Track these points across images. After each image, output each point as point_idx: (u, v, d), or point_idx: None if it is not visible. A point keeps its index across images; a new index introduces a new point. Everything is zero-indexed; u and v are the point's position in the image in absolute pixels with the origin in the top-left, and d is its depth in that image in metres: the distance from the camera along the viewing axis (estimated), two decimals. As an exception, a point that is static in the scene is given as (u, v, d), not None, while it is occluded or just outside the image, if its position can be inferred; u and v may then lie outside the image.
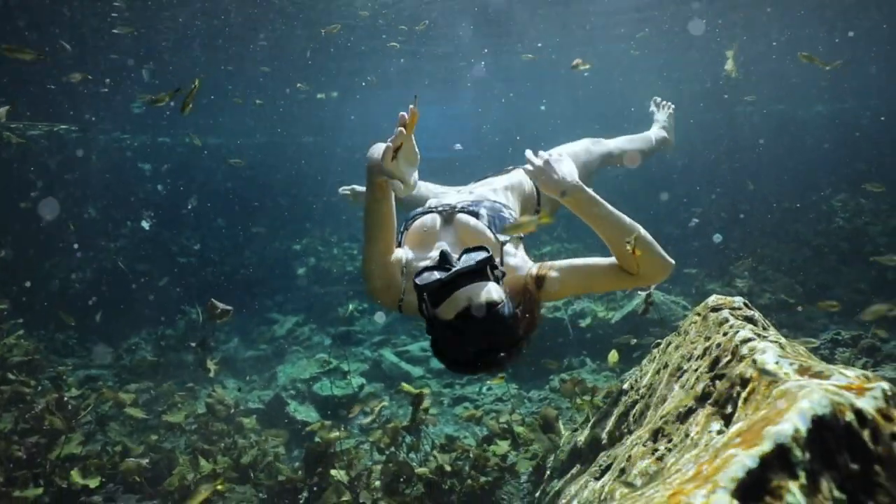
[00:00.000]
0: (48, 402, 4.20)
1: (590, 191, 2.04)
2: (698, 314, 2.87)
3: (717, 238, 8.91)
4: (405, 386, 5.72)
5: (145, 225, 10.69)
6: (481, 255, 1.84)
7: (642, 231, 2.02)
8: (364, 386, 8.09)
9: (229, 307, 4.73)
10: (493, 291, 1.81)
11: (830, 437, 1.31)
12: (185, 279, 10.94)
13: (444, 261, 1.87)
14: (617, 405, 3.46)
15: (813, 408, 1.33)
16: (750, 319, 2.62)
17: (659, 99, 3.90)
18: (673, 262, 2.13)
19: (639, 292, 3.67)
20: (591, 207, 2.04)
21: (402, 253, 2.22)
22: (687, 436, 2.21)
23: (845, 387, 1.74)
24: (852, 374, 1.83)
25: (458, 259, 1.85)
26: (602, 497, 2.50)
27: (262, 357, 9.56)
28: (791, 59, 12.59)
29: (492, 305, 1.78)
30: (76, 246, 9.87)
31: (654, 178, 14.05)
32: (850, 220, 9.84)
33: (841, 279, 8.54)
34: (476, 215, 2.28)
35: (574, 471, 3.55)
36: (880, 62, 13.11)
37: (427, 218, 2.30)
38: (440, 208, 2.34)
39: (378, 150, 2.08)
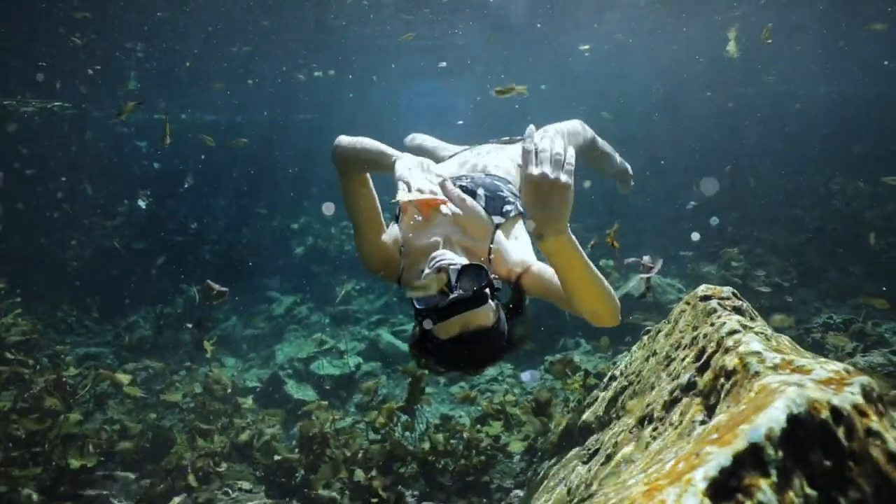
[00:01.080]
0: (47, 383, 4.25)
1: (573, 239, 1.66)
2: (688, 303, 2.90)
3: (714, 221, 8.92)
4: (407, 366, 5.76)
5: (142, 204, 10.67)
6: (479, 278, 1.82)
7: (605, 282, 1.85)
8: (361, 365, 8.17)
9: (225, 289, 4.75)
10: (487, 317, 1.82)
11: (804, 434, 1.34)
12: (182, 257, 10.96)
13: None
14: (607, 390, 3.52)
15: (788, 406, 1.36)
16: (738, 310, 2.65)
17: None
18: (619, 320, 1.94)
19: (640, 276, 3.70)
20: (568, 256, 1.68)
21: (398, 231, 2.22)
22: (671, 425, 2.25)
23: (825, 381, 1.78)
24: (833, 368, 1.86)
25: (455, 282, 1.82)
26: (588, 482, 2.56)
27: (260, 336, 9.63)
28: (792, 40, 12.46)
29: (485, 331, 1.81)
30: (73, 223, 9.86)
31: (653, 161, 14.02)
32: (847, 203, 9.85)
33: (835, 263, 8.58)
34: (473, 195, 2.27)
35: (564, 453, 3.61)
36: (882, 43, 12.94)
37: None
38: None
39: (353, 145, 2.04)
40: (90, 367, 7.41)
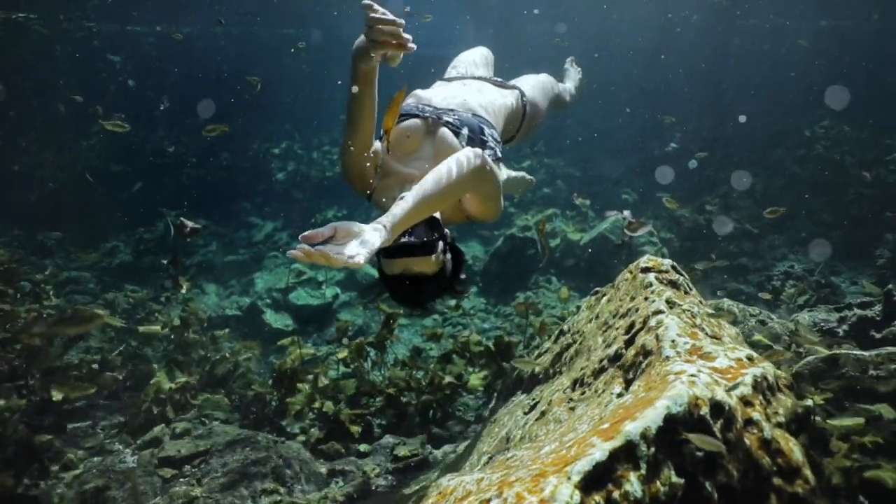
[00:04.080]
0: (28, 314, 4.40)
1: (399, 219, 1.71)
2: (630, 272, 3.06)
3: (693, 164, 8.95)
4: (381, 306, 5.97)
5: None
6: (431, 230, 2.02)
7: (459, 177, 1.92)
8: (338, 295, 8.41)
9: (198, 225, 4.83)
10: (429, 265, 2.02)
11: (680, 430, 1.53)
12: (161, 181, 10.82)
13: None
14: (556, 343, 3.74)
15: (668, 406, 1.53)
16: (674, 283, 2.81)
17: (574, 59, 3.92)
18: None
19: (626, 231, 3.82)
20: (413, 220, 1.79)
21: (381, 150, 2.31)
22: (595, 392, 2.47)
23: (724, 370, 1.97)
24: (736, 357, 2.05)
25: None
26: (523, 436, 2.82)
27: (240, 262, 9.78)
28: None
29: (422, 277, 2.04)
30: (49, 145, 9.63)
31: (636, 99, 13.77)
32: (829, 148, 9.86)
33: (807, 208, 8.73)
34: (458, 134, 2.35)
35: (514, 397, 3.89)
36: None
37: (413, 123, 2.36)
38: (427, 114, 2.40)
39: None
40: (72, 291, 7.59)
